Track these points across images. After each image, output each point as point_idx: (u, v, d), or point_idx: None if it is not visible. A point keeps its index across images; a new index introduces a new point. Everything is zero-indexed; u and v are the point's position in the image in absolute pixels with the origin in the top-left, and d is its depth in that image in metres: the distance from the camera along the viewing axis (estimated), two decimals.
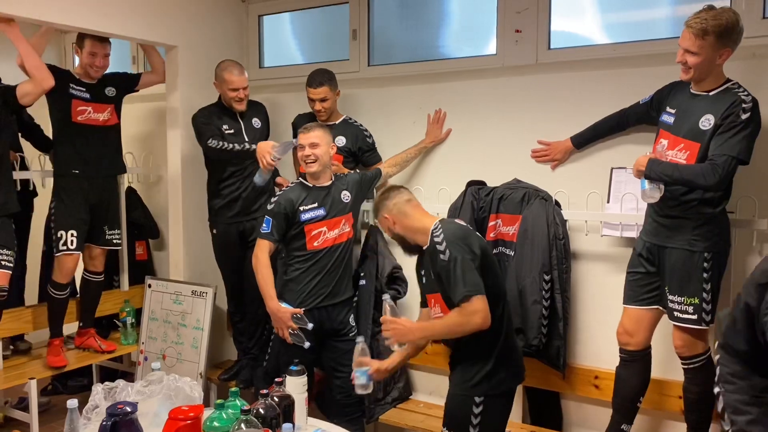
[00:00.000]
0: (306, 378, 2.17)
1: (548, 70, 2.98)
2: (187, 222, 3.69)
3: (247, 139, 3.35)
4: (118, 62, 4.32)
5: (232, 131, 3.38)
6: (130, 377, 3.65)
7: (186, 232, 3.69)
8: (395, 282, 3.18)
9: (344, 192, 2.95)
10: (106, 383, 2.05)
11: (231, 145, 3.18)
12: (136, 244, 4.07)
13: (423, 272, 2.39)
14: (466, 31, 3.40)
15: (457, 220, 2.44)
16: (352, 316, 3.01)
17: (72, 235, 3.31)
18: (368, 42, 3.54)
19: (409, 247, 2.40)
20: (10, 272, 3.03)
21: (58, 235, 3.31)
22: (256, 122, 3.46)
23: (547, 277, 2.72)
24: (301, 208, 2.83)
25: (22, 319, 3.44)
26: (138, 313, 3.73)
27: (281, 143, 3.07)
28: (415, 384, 3.43)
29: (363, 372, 2.33)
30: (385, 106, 3.44)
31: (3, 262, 2.99)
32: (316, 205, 2.85)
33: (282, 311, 2.79)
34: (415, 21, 3.53)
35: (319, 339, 2.88)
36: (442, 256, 2.16)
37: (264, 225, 2.85)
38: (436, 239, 2.21)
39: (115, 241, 3.56)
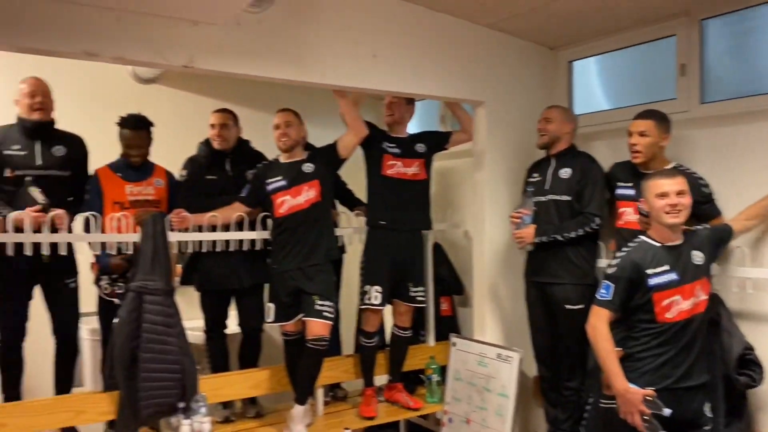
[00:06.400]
0: None
1: None
2: (493, 280, 3.54)
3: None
4: (425, 121, 4.48)
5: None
6: None
7: (492, 290, 3.54)
8: (747, 366, 2.58)
9: (694, 252, 2.48)
10: None
11: None
12: (441, 300, 4.04)
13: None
14: None
15: None
16: (708, 405, 2.49)
17: (377, 291, 3.36)
18: (700, 77, 3.05)
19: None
20: (331, 323, 3.13)
21: (365, 289, 3.39)
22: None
23: None
24: (648, 271, 2.41)
25: (340, 368, 3.57)
26: (443, 371, 3.66)
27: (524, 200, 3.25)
28: None
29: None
30: (723, 150, 2.89)
31: (324, 313, 3.09)
32: (667, 267, 2.42)
33: (632, 392, 2.36)
34: (750, 51, 2.98)
35: (670, 429, 2.39)
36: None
37: (602, 290, 2.46)
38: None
39: (418, 298, 3.51)
